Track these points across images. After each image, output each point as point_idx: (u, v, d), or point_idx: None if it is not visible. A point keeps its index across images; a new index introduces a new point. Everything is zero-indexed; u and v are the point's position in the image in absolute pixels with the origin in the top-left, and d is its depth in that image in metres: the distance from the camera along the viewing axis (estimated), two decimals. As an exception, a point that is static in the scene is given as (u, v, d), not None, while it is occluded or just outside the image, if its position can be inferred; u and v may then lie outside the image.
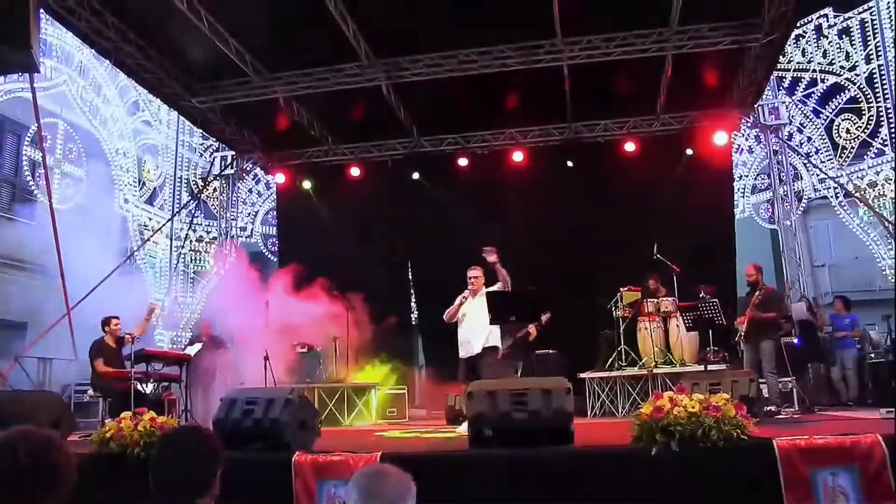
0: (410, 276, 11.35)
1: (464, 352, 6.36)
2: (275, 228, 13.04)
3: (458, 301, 6.43)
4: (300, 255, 10.69)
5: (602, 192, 10.13)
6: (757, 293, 7.02)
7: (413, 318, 11.62)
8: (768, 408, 6.39)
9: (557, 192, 10.18)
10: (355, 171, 11.21)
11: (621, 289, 8.67)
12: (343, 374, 9.24)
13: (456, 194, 10.76)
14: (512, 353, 8.08)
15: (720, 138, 10.14)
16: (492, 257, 6.22)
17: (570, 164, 10.54)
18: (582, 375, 8.21)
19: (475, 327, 6.28)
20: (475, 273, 6.47)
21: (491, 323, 6.15)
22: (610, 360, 8.35)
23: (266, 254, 13.43)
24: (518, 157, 10.68)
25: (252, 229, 13.86)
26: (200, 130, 11.51)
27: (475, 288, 6.41)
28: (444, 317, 6.49)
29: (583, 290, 9.48)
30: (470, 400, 4.24)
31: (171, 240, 12.93)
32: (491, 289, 6.28)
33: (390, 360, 9.68)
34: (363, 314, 9.62)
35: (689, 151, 10.20)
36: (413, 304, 11.55)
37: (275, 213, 12.88)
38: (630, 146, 10.38)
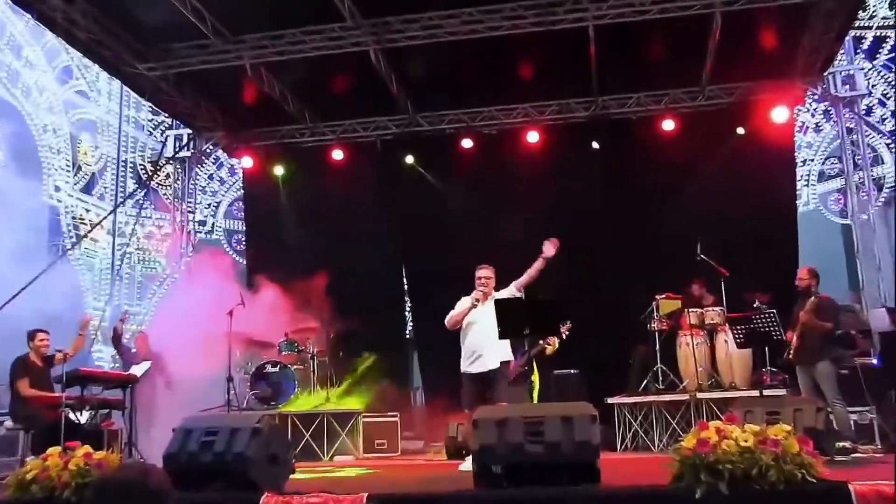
0: (405, 280, 11.37)
1: (473, 367, 6.34)
2: (240, 223, 13.05)
3: (466, 303, 6.41)
4: (271, 254, 10.75)
5: (634, 179, 10.14)
6: (810, 302, 6.87)
7: (408, 330, 11.66)
8: (841, 444, 6.31)
9: (580, 180, 10.19)
10: (338, 155, 11.22)
11: (658, 296, 8.67)
12: (323, 398, 9.24)
13: (458, 183, 10.78)
14: (526, 372, 8.06)
15: (780, 114, 10.09)
16: (550, 251, 6.28)
17: (595, 145, 10.54)
18: (610, 400, 8.23)
19: (490, 337, 6.23)
20: (486, 273, 6.47)
21: (500, 338, 6.13)
22: (644, 382, 8.35)
23: (230, 253, 13.44)
24: (533, 137, 10.68)
25: (213, 224, 13.87)
26: (149, 104, 11.51)
27: (488, 290, 6.41)
28: (445, 321, 6.48)
29: (611, 298, 9.50)
30: (475, 429, 4.24)
31: (113, 236, 12.94)
32: (498, 295, 6.29)
33: (380, 380, 9.71)
34: (348, 326, 9.65)
35: (740, 131, 10.16)
36: (408, 313, 11.57)
37: (240, 204, 12.91)
38: (668, 124, 10.36)
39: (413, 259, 11.21)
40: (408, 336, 11.62)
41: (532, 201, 10.29)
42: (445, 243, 10.41)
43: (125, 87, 11.59)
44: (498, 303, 6.09)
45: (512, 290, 6.32)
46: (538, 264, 6.35)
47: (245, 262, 12.29)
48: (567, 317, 8.06)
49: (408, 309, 11.60)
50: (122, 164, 13.46)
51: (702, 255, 8.34)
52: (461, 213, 10.69)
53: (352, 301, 10.04)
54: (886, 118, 11.38)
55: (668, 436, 7.80)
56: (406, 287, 11.43)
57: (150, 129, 13.87)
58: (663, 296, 8.68)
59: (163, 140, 13.04)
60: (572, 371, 9.04)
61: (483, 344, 6.31)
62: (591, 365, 9.04)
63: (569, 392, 8.49)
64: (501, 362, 6.29)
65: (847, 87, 10.87)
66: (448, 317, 6.49)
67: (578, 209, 10.04)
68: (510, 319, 5.98)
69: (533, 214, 10.14)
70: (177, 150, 12.41)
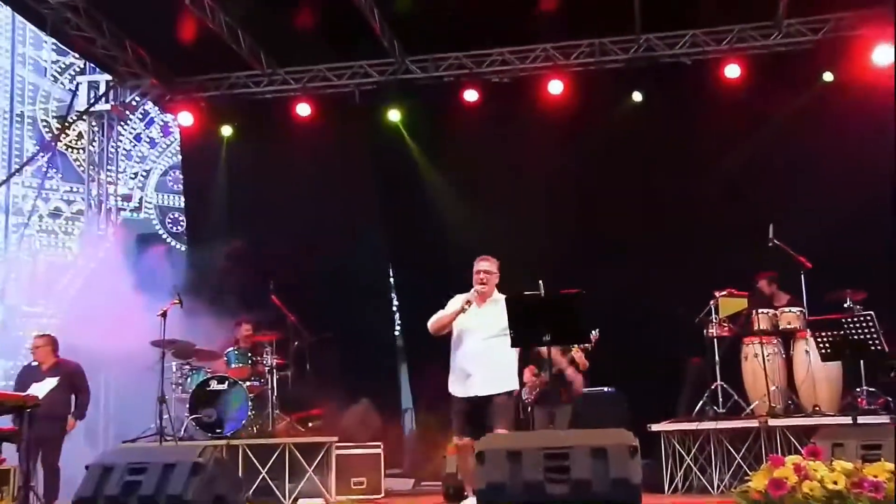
0: (391, 272, 11.34)
1: (460, 388, 6.38)
2: (177, 198, 13.04)
3: (457, 303, 6.42)
4: (217, 240, 10.75)
5: (687, 140, 10.14)
6: None
7: (396, 334, 11.73)
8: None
9: (616, 143, 10.18)
10: (304, 109, 11.19)
11: (717, 293, 8.65)
12: (284, 424, 9.25)
13: (459, 146, 10.76)
14: (548, 390, 8.06)
15: (882, 55, 9.99)
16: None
17: (637, 98, 10.53)
18: (655, 427, 8.25)
19: (484, 352, 6.29)
20: (486, 266, 6.48)
21: (513, 345, 6.15)
22: (700, 405, 8.34)
23: (164, 236, 13.40)
24: (556, 87, 10.64)
25: (142, 198, 13.84)
26: (52, 40, 11.41)
27: (487, 290, 6.40)
28: (429, 324, 6.51)
29: (656, 296, 9.52)
30: (480, 464, 4.26)
31: (6, 214, 12.88)
32: (499, 297, 6.35)
33: (353, 397, 9.77)
34: (317, 331, 9.71)
35: (827, 77, 10.12)
36: (395, 313, 11.60)
37: (177, 174, 12.91)
38: (733, 70, 10.31)
39: (401, 245, 11.20)
40: (396, 342, 11.63)
41: (553, 171, 10.31)
42: (441, 226, 10.43)
43: (19, 19, 11.47)
44: (511, 301, 6.11)
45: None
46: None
47: (184, 249, 12.26)
48: (597, 320, 8.04)
49: (395, 308, 11.62)
50: (18, 119, 13.30)
51: (775, 241, 8.29)
52: (462, 187, 10.71)
53: (322, 299, 10.05)
54: None
55: (731, 474, 7.81)
56: (392, 280, 11.42)
57: (56, 74, 13.71)
58: (724, 293, 8.65)
59: (72, 89, 12.88)
60: (606, 389, 9.06)
61: (476, 360, 6.34)
62: (630, 381, 9.09)
63: (602, 416, 8.51)
64: (502, 393, 6.28)
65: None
66: (432, 319, 6.51)
67: (614, 181, 10.09)
68: (524, 322, 5.98)
69: (555, 187, 10.15)
70: (91, 101, 12.27)
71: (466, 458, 6.15)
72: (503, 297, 6.31)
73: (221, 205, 11.41)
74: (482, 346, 6.32)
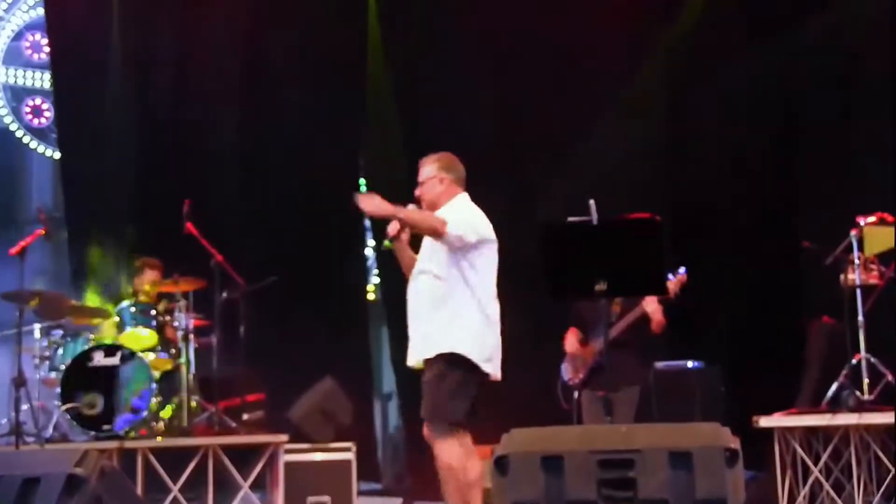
0: (363, 188, 11.34)
1: (409, 355, 6.63)
2: (39, 74, 13.06)
3: (397, 224, 6.49)
4: (105, 134, 10.84)
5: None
6: None
7: (370, 288, 11.88)
8: None
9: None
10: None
11: (860, 219, 8.57)
12: (206, 417, 9.33)
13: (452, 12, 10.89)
14: (602, 365, 8.02)
15: None
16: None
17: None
18: (766, 422, 8.24)
19: (422, 304, 6.43)
20: (426, 169, 6.57)
21: (553, 297, 6.26)
22: (834, 388, 8.30)
23: (19, 136, 13.32)
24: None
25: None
26: None
27: (429, 198, 6.51)
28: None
29: (766, 224, 9.67)
30: (502, 475, 4.35)
31: None
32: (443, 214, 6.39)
33: (311, 375, 9.80)
34: (256, 279, 9.70)
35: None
36: (369, 255, 11.81)
37: (37, 38, 12.91)
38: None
39: (378, 157, 11.16)
40: (369, 298, 11.72)
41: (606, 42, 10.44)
42: (435, 132, 10.43)
43: None
44: (544, 230, 6.21)
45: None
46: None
47: (51, 153, 12.20)
48: (680, 259, 8.11)
49: (370, 250, 11.81)
50: None
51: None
52: (465, 64, 10.86)
53: (264, 229, 9.98)
54: None
55: (883, 494, 7.85)
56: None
57: None
58: (872, 219, 8.56)
59: None
60: (691, 365, 9.15)
61: (412, 316, 6.52)
62: (727, 352, 9.23)
63: (685, 404, 8.63)
64: (438, 356, 6.31)
65: None
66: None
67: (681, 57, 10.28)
68: (567, 263, 6.08)
69: (603, 72, 10.11)
70: None
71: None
72: (456, 208, 6.42)
73: (110, 81, 11.30)
74: (419, 294, 6.47)
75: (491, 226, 6.47)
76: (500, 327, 6.48)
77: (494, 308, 6.46)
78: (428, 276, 6.36)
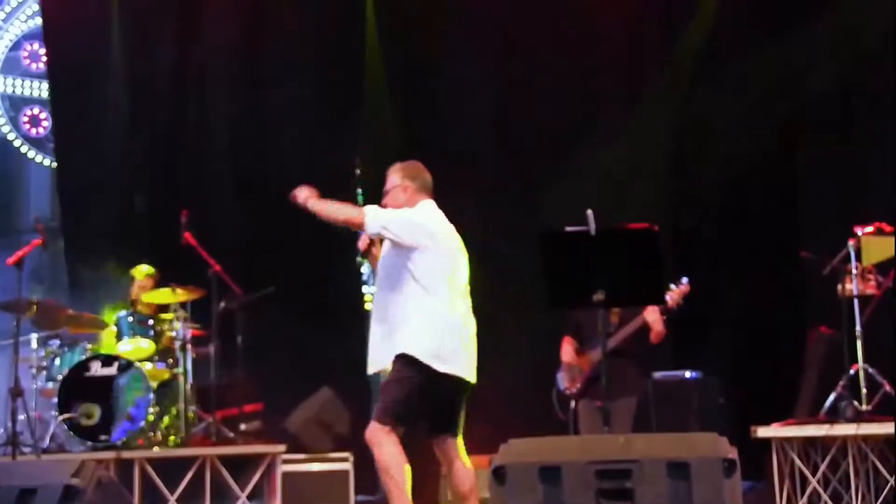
0: (360, 201, 11.34)
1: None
2: (38, 84, 13.03)
3: (367, 237, 6.52)
4: (102, 144, 10.80)
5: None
6: None
7: (367, 300, 11.67)
8: None
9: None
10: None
11: (858, 228, 8.56)
12: (204, 427, 9.33)
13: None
14: (600, 375, 8.00)
15: None
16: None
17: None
18: (764, 432, 8.24)
19: (382, 312, 6.41)
20: (394, 177, 6.52)
21: (551, 304, 6.24)
22: (832, 398, 8.29)
23: (17, 145, 13.32)
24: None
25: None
26: None
27: (393, 207, 6.44)
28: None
29: (763, 230, 9.65)
30: (500, 484, 4.34)
31: None
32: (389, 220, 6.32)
33: (308, 385, 9.82)
34: (254, 288, 9.71)
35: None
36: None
37: (35, 47, 12.91)
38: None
39: (378, 168, 11.12)
40: (367, 308, 11.61)
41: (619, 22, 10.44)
42: (435, 139, 10.44)
43: None
44: (543, 240, 6.16)
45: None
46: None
47: (49, 163, 12.18)
48: (678, 269, 8.16)
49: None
50: None
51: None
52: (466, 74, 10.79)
53: (262, 239, 9.97)
54: None
55: (881, 502, 7.84)
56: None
57: None
58: (870, 229, 8.55)
59: None
60: (689, 375, 9.12)
61: (371, 325, 6.51)
62: (725, 363, 9.25)
63: (683, 414, 8.61)
64: (394, 359, 6.26)
65: None
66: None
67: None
68: (565, 271, 6.05)
69: (614, 71, 10.10)
70: None
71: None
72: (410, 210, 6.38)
73: (107, 90, 11.32)
74: (380, 302, 6.50)
75: (451, 230, 6.43)
76: (469, 329, 6.44)
77: (455, 309, 6.38)
78: (381, 283, 6.40)
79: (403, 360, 6.20)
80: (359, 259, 6.53)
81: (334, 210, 6.39)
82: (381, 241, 6.42)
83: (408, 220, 6.26)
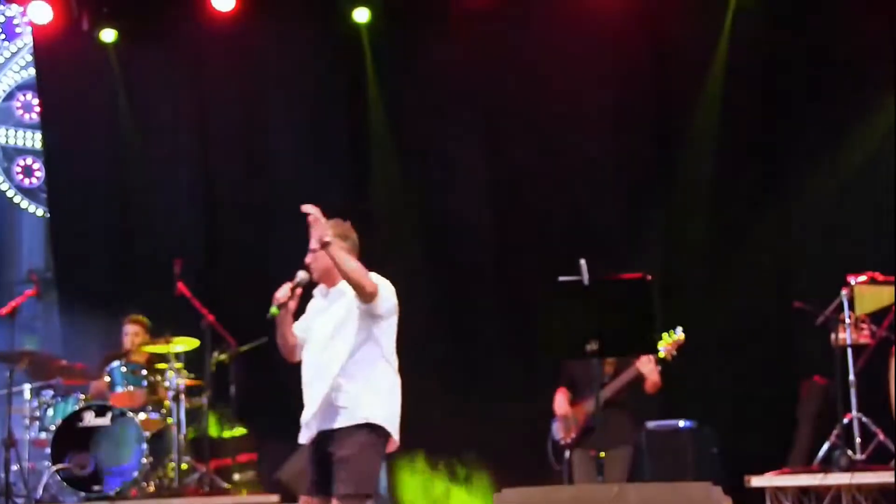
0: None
1: (306, 429, 6.22)
2: (31, 135, 13.12)
3: (288, 290, 6.17)
4: (96, 197, 10.88)
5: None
6: None
7: None
8: None
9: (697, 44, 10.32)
10: (225, 1, 11.11)
11: (850, 278, 8.62)
12: (197, 478, 9.24)
13: (449, 61, 10.88)
14: (594, 425, 8.02)
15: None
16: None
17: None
18: (757, 482, 8.26)
19: (324, 367, 6.09)
20: (321, 234, 6.05)
21: (547, 352, 6.29)
22: (826, 448, 8.33)
23: (10, 196, 13.35)
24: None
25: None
26: None
27: (320, 266, 6.17)
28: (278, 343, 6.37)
29: (756, 281, 9.64)
30: None
31: None
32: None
33: (297, 436, 9.63)
34: (248, 339, 9.67)
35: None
36: None
37: (28, 98, 12.97)
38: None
39: (380, 198, 11.19)
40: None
41: (607, 86, 10.50)
42: (440, 165, 10.58)
43: None
44: (547, 292, 6.21)
45: None
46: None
47: (42, 213, 12.19)
48: (675, 319, 8.08)
49: None
50: None
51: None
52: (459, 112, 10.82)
53: (255, 289, 9.98)
54: None
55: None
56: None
57: None
58: (863, 278, 8.60)
59: None
60: (682, 424, 9.09)
61: (312, 381, 6.19)
62: (719, 412, 9.20)
63: (677, 464, 8.58)
64: (352, 426, 6.00)
65: None
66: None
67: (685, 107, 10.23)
68: (558, 322, 6.03)
69: (591, 117, 10.33)
70: None
71: None
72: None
73: (101, 145, 11.37)
74: (316, 358, 6.18)
75: None
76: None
77: (398, 377, 6.26)
78: (341, 343, 6.07)
79: (372, 428, 6.01)
80: (273, 310, 6.07)
81: (352, 268, 5.88)
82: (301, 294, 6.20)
83: (392, 292, 6.07)
